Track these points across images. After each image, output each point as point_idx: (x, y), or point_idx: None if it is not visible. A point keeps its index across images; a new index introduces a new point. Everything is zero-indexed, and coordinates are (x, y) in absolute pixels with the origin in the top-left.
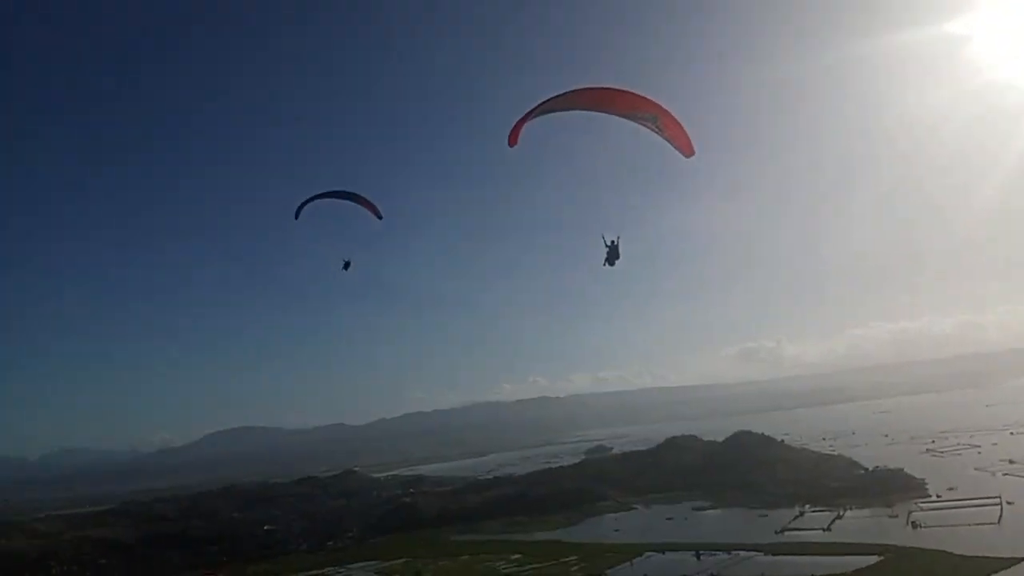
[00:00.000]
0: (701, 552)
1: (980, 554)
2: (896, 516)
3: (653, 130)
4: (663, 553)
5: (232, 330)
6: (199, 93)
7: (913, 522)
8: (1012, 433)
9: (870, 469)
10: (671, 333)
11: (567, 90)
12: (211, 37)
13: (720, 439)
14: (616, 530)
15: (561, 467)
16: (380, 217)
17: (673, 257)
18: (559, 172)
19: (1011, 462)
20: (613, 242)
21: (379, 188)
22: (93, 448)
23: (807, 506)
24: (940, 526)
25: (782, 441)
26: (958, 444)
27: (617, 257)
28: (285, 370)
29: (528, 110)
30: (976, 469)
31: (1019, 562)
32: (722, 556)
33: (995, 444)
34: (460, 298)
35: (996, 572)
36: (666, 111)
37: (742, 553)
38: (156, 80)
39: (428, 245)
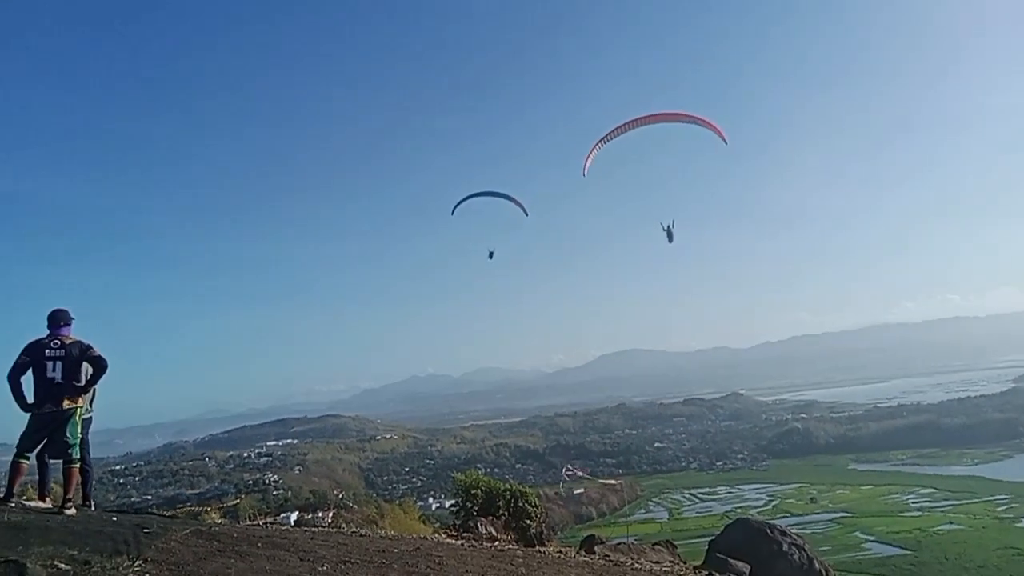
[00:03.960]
0: None
1: None
2: None
3: (698, 124)
4: None
5: (618, 261)
6: None
7: None
8: None
9: None
10: None
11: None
12: None
13: None
14: None
15: (983, 395)
16: (527, 214)
17: None
18: None
19: None
20: (668, 227)
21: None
22: (503, 367)
23: None
24: None
25: None
26: None
27: (671, 239)
28: (669, 295)
29: (594, 143)
30: None
31: None
32: None
33: None
34: (842, 212)
35: None
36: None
37: None
38: None
39: (810, 160)
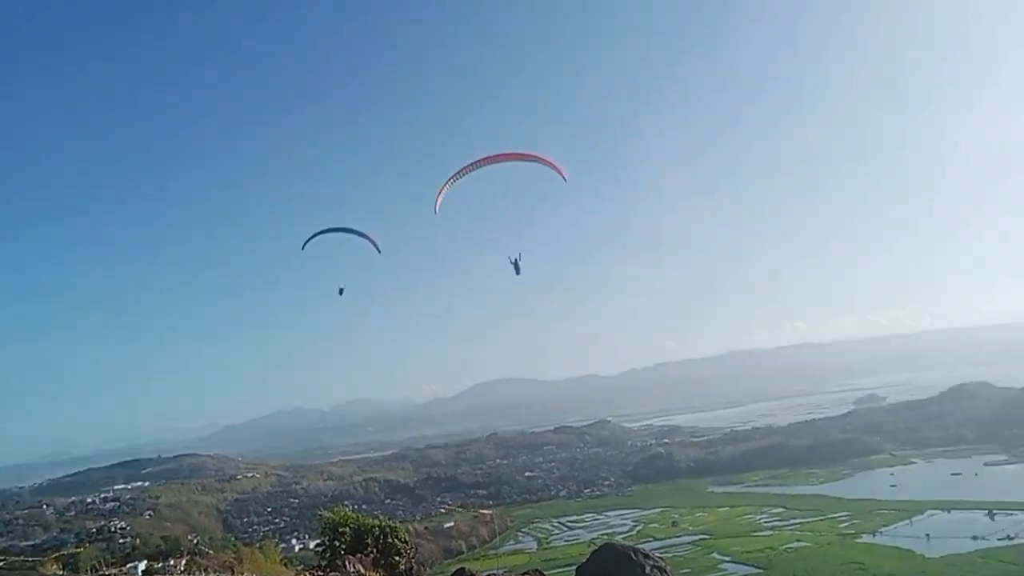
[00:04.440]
0: (995, 511)
1: None
2: None
3: (540, 163)
4: (948, 512)
5: (490, 289)
6: None
7: None
8: None
9: None
10: (955, 265)
11: (475, 160)
12: None
13: (1020, 385)
14: (892, 486)
15: (826, 418)
16: (379, 251)
17: (957, 177)
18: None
19: None
20: (516, 260)
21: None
22: (374, 399)
23: None
24: None
25: None
26: None
27: (518, 272)
28: (540, 323)
29: (446, 180)
30: None
31: None
32: (1021, 516)
33: None
34: (705, 244)
35: None
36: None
37: None
38: None
39: (670, 191)
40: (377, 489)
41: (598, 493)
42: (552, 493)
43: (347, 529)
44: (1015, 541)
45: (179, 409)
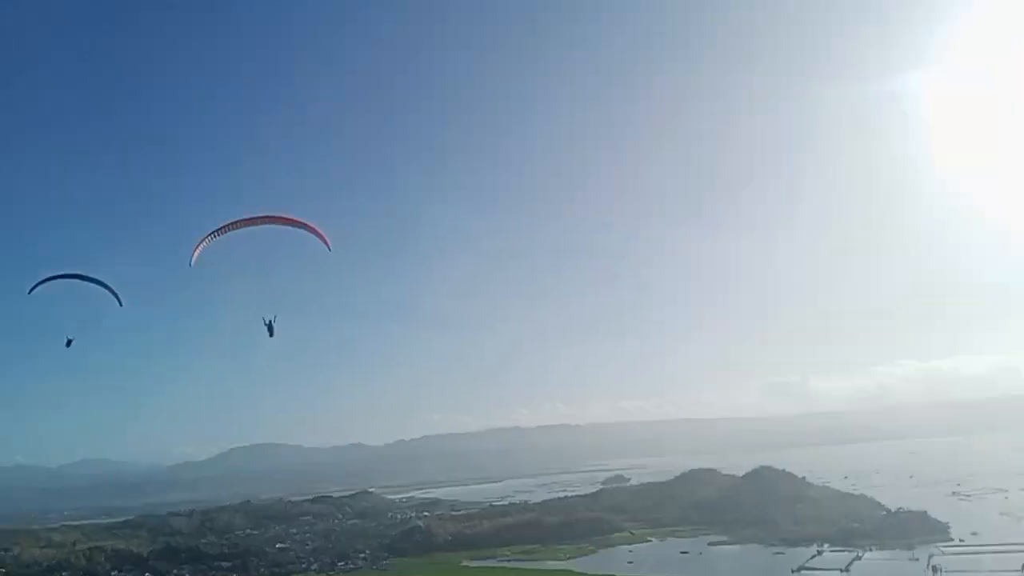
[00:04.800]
0: None
1: None
2: (917, 559)
3: (303, 229)
4: None
5: (254, 347)
6: None
7: (934, 566)
8: None
9: (892, 510)
10: (695, 364)
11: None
12: None
13: (740, 473)
14: (629, 562)
15: (577, 496)
16: (121, 304)
17: (700, 288)
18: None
19: None
20: (270, 322)
21: (398, 205)
22: (113, 459)
23: (826, 545)
24: (962, 572)
25: (803, 478)
26: (984, 488)
27: (272, 334)
28: (305, 389)
29: (206, 234)
30: (1002, 514)
31: None
32: None
33: (1023, 490)
34: (478, 321)
35: None
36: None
37: None
38: None
39: (448, 266)
40: (103, 559)
41: (352, 566)
42: (303, 566)
43: None
44: None
45: None
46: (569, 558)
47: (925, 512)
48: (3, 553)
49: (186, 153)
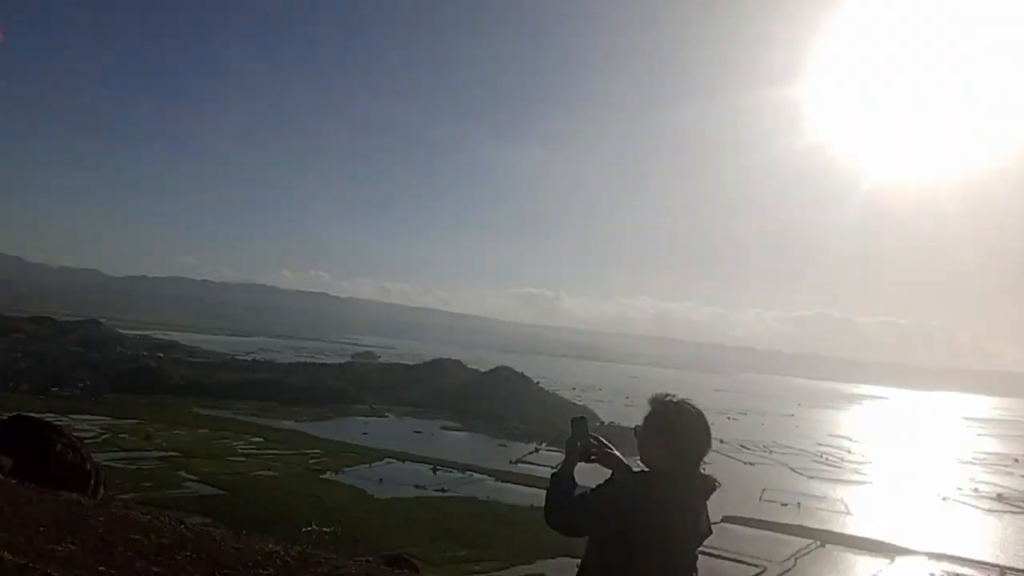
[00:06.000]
0: (438, 467)
1: None
2: None
3: None
4: (403, 462)
5: None
6: None
7: None
8: (729, 418)
9: (606, 423)
10: (464, 262)
11: None
12: None
13: (483, 369)
14: (364, 433)
15: (325, 364)
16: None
17: (493, 192)
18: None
19: (721, 441)
20: None
21: None
22: None
23: (543, 444)
24: None
25: (538, 383)
26: None
27: None
28: (39, 193)
29: None
30: None
31: None
32: (456, 474)
33: (713, 424)
34: (259, 168)
35: None
36: None
37: (475, 474)
38: None
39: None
40: None
41: (67, 394)
42: (10, 385)
43: None
44: (447, 493)
45: None
46: (306, 420)
47: (634, 428)
48: None
49: None
